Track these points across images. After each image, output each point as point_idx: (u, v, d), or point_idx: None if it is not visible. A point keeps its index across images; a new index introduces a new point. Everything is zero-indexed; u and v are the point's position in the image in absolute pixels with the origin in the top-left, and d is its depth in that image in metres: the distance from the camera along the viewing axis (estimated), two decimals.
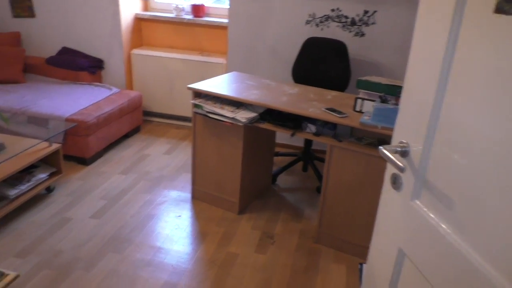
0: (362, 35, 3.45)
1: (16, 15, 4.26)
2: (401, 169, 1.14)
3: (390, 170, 1.28)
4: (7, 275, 1.24)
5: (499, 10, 0.86)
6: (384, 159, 1.21)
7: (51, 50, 4.27)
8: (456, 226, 1.00)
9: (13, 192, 2.55)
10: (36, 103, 3.39)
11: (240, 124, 2.50)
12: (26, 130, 3.23)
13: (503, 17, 0.86)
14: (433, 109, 1.08)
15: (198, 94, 2.73)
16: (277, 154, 3.53)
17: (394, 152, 1.21)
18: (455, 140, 1.00)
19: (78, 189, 3.00)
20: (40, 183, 2.76)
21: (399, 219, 1.24)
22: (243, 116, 2.50)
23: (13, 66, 3.89)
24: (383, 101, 2.38)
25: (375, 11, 3.35)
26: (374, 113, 2.29)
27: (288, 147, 3.92)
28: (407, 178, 1.19)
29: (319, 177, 3.19)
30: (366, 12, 3.37)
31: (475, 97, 0.94)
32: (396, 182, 1.24)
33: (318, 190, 3.21)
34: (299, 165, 3.57)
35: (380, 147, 1.21)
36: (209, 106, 2.60)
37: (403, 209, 1.21)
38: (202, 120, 2.75)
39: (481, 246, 0.92)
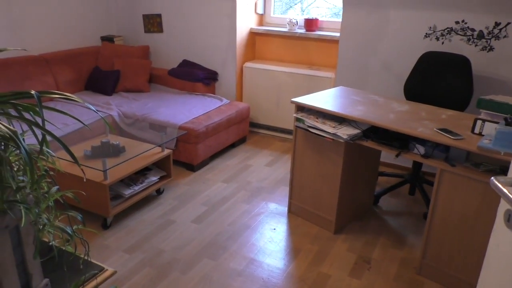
0: (491, 49, 3.09)
1: (147, 30, 4.74)
2: None
3: (504, 205, 1.10)
4: (106, 270, 1.34)
5: None
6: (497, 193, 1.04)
7: (174, 62, 4.65)
8: None
9: (128, 192, 2.80)
10: (156, 110, 3.71)
11: (341, 140, 2.41)
12: (144, 135, 3.55)
13: None
14: None
15: (301, 108, 2.71)
16: (382, 174, 3.33)
17: (511, 184, 1.04)
18: None
19: (184, 193, 3.19)
20: (151, 185, 2.99)
21: None
22: (344, 132, 2.41)
23: (140, 77, 4.32)
24: (509, 123, 2.09)
25: (508, 23, 2.98)
26: (496, 137, 2.02)
27: (395, 167, 3.68)
28: None
29: (428, 202, 2.92)
30: (497, 24, 3.02)
31: None
32: (510, 219, 1.06)
33: (425, 216, 2.93)
34: (406, 187, 3.31)
35: (492, 178, 1.04)
36: (310, 121, 2.56)
37: None
38: (303, 134, 2.72)
39: None
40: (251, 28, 4.42)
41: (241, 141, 4.20)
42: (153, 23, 4.68)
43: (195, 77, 4.29)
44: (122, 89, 4.24)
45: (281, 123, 4.34)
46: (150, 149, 3.03)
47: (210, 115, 3.70)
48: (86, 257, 1.27)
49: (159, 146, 3.09)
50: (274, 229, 2.79)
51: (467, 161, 2.19)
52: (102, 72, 4.27)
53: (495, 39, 3.07)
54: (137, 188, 2.87)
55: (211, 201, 3.09)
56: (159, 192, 3.15)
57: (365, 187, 2.93)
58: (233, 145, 4.08)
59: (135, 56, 4.46)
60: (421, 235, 2.73)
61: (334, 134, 2.43)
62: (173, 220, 2.83)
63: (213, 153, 3.75)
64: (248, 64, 4.36)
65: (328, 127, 2.47)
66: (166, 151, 3.09)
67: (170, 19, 4.55)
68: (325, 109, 2.55)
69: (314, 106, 2.60)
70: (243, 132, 4.14)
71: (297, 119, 2.65)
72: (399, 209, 3.08)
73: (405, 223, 2.90)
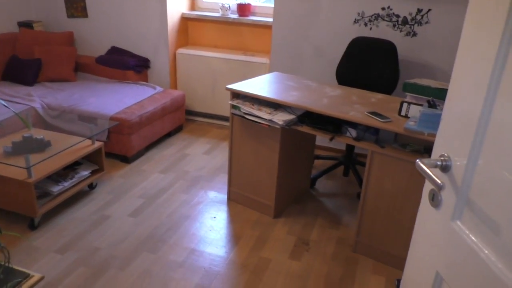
0: (414, 35, 3.26)
1: (70, 15, 4.43)
2: (439, 187, 1.02)
3: (428, 185, 1.16)
4: (31, 276, 1.24)
5: None
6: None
7: (101, 49, 4.41)
8: (501, 253, 0.88)
9: (56, 189, 2.63)
10: (84, 101, 3.50)
11: (277, 126, 2.43)
12: (72, 128, 3.34)
13: None
14: (481, 119, 0.96)
15: (236, 94, 2.69)
16: (318, 157, 3.42)
17: (434, 166, 1.10)
18: (506, 155, 0.87)
19: (119, 187, 3.06)
20: (82, 180, 2.83)
21: (437, 239, 1.12)
22: (280, 118, 2.43)
23: (65, 65, 4.05)
24: (431, 106, 2.22)
25: (429, 10, 3.15)
26: (420, 119, 2.14)
27: (330, 150, 3.80)
28: (447, 195, 1.07)
29: (361, 183, 3.05)
30: (419, 10, 3.18)
31: None
32: (434, 199, 1.12)
33: (359, 196, 3.07)
34: (340, 169, 3.44)
35: (417, 161, 1.09)
36: (246, 107, 2.54)
37: (442, 229, 1.09)
38: (239, 121, 2.70)
39: None
40: (182, 13, 4.29)
41: (178, 130, 4.10)
42: (76, 7, 4.38)
43: (126, 64, 4.10)
44: (45, 79, 3.95)
45: (217, 110, 4.30)
46: (79, 142, 2.86)
47: (143, 104, 3.56)
48: (6, 264, 1.17)
49: (89, 138, 2.93)
50: (214, 217, 2.77)
51: (395, 142, 2.30)
52: (20, 61, 3.94)
53: (418, 25, 3.23)
54: (66, 184, 2.70)
55: (148, 193, 2.99)
56: (91, 187, 3.00)
57: (302, 170, 3.00)
58: (169, 134, 3.97)
59: (57, 43, 4.16)
60: (356, 215, 2.86)
61: (270, 120, 2.44)
62: (108, 215, 2.71)
63: (149, 144, 3.63)
64: (181, 50, 4.24)
65: (264, 114, 2.48)
66: (97, 144, 2.93)
67: (95, 3, 4.29)
68: (260, 96, 2.55)
69: (249, 93, 2.59)
70: (179, 120, 4.04)
71: (233, 106, 2.63)
72: (334, 191, 3.19)
73: (341, 204, 3.01)
